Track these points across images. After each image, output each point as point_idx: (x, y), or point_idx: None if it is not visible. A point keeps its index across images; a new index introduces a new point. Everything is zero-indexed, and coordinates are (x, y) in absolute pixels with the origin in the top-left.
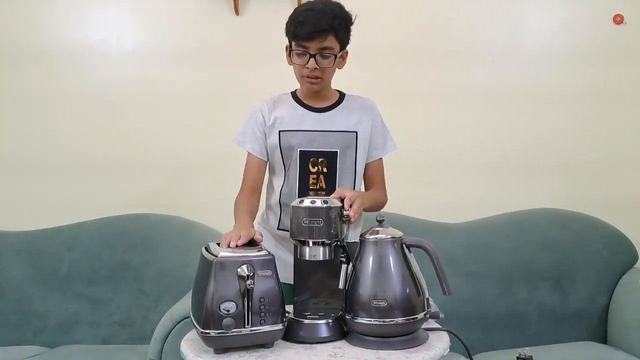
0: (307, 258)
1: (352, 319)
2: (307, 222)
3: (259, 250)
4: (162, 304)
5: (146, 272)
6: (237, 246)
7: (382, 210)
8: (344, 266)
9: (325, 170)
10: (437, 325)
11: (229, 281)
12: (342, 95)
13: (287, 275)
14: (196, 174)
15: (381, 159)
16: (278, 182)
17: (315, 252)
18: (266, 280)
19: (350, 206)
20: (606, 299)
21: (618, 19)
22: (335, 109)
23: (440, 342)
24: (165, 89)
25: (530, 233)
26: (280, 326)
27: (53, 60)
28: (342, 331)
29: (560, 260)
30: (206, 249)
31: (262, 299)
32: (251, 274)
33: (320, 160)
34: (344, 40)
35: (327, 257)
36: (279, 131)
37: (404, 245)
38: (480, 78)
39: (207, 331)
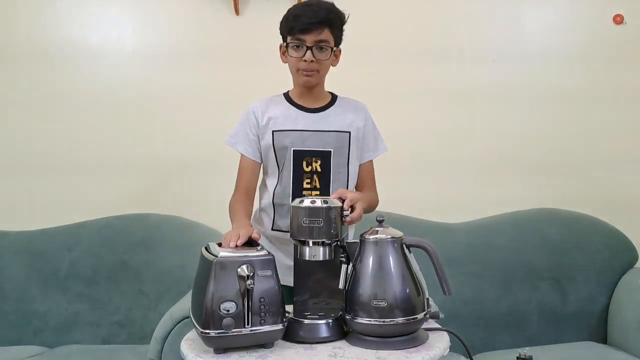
0: (307, 258)
1: (352, 319)
2: (307, 222)
3: (259, 250)
4: (162, 304)
5: (146, 272)
6: (237, 246)
7: (383, 210)
8: (344, 266)
9: (319, 169)
10: (437, 325)
11: (229, 281)
12: (334, 97)
13: (281, 276)
14: (196, 174)
15: (372, 161)
16: (271, 183)
17: (315, 252)
18: (266, 280)
19: (351, 207)
20: (606, 299)
21: (618, 19)
22: (329, 109)
23: (440, 342)
24: (165, 88)
25: (530, 233)
26: (280, 326)
27: (53, 60)
28: (342, 331)
29: (560, 260)
30: (206, 249)
31: (262, 299)
32: (251, 274)
33: (314, 159)
34: (338, 36)
35: (327, 257)
36: (273, 131)
37: (404, 245)
38: (480, 77)
39: (207, 331)
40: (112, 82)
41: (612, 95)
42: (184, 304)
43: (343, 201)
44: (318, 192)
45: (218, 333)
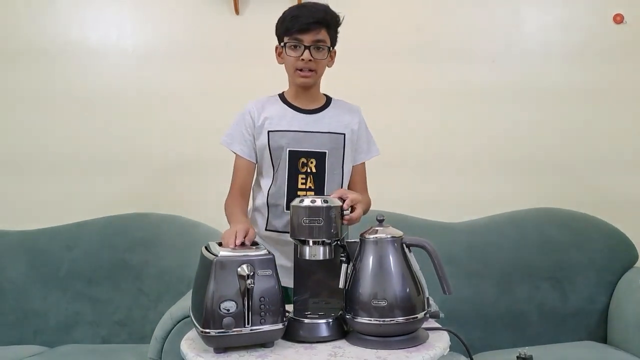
0: (307, 257)
1: (352, 318)
2: (307, 221)
3: (259, 250)
4: (162, 303)
5: (146, 271)
6: (236, 246)
7: (383, 210)
8: (344, 266)
9: (314, 170)
10: (437, 325)
11: (229, 280)
12: (329, 99)
13: None
14: (197, 174)
15: (364, 163)
16: (266, 183)
17: (315, 252)
18: (266, 279)
19: (351, 208)
20: (606, 298)
21: (618, 19)
22: (324, 111)
23: (440, 341)
24: (165, 88)
25: (530, 233)
26: (280, 326)
27: (53, 59)
28: (342, 331)
29: (560, 260)
30: (206, 248)
31: (262, 299)
32: (251, 274)
33: (309, 160)
34: (333, 37)
35: (327, 257)
36: (268, 131)
37: (404, 245)
38: (480, 77)
39: (207, 330)
40: (112, 82)
41: (612, 95)
42: (184, 304)
43: (343, 201)
44: (312, 193)
45: (218, 332)
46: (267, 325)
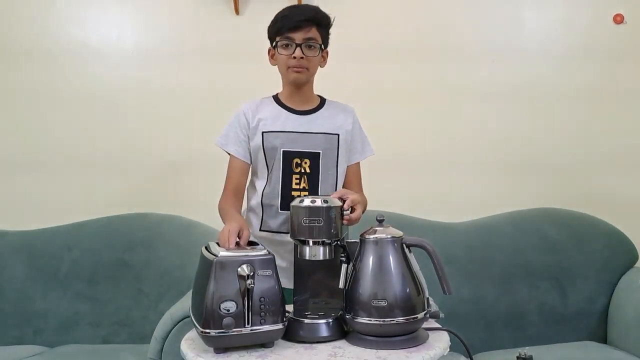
0: (307, 257)
1: (353, 318)
2: (307, 221)
3: (259, 250)
4: (162, 303)
5: (146, 272)
6: (230, 248)
7: (383, 210)
8: (344, 266)
9: (308, 170)
10: (437, 325)
11: (229, 281)
12: (323, 100)
13: None
14: (197, 174)
15: (359, 163)
16: (260, 184)
17: (316, 252)
18: (266, 279)
19: (351, 208)
20: (606, 299)
21: (618, 19)
22: (318, 112)
23: (440, 341)
24: (165, 88)
25: (530, 233)
26: (280, 326)
27: (53, 59)
28: (342, 331)
29: (560, 260)
30: (206, 248)
31: (262, 299)
32: (251, 274)
33: (303, 161)
34: (325, 37)
35: (327, 257)
36: (262, 132)
37: (404, 245)
38: (480, 77)
39: (207, 330)
40: (112, 82)
41: (612, 95)
42: (184, 304)
43: (343, 201)
44: (307, 193)
45: (218, 332)
46: (267, 326)
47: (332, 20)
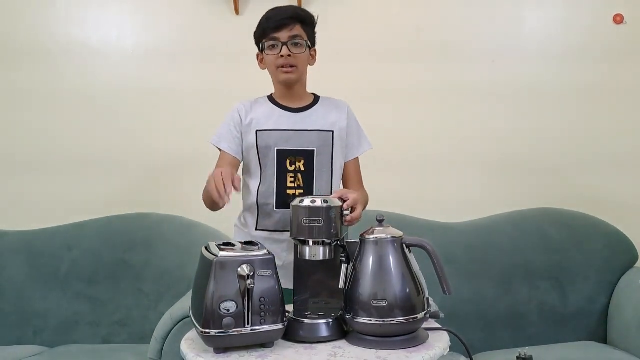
0: (307, 258)
1: (352, 318)
2: (307, 221)
3: (259, 250)
4: (162, 303)
5: (146, 272)
6: (226, 192)
7: (383, 210)
8: (344, 266)
9: (302, 168)
10: (437, 325)
11: (229, 281)
12: (316, 97)
13: None
14: (197, 174)
15: (357, 158)
16: (254, 183)
17: (315, 252)
18: (266, 279)
19: (351, 209)
20: (606, 299)
21: (618, 19)
22: (311, 109)
23: (440, 341)
24: (165, 88)
25: (530, 233)
26: (280, 326)
27: (53, 59)
28: (342, 331)
29: (560, 260)
30: (206, 248)
31: (262, 299)
32: (251, 274)
33: (297, 159)
34: (311, 35)
35: (327, 257)
36: (256, 131)
37: (404, 245)
38: (480, 77)
39: (207, 331)
40: (112, 82)
41: (612, 95)
42: (184, 304)
43: (344, 201)
44: (302, 191)
45: (218, 333)
46: (267, 326)
47: (316, 18)
